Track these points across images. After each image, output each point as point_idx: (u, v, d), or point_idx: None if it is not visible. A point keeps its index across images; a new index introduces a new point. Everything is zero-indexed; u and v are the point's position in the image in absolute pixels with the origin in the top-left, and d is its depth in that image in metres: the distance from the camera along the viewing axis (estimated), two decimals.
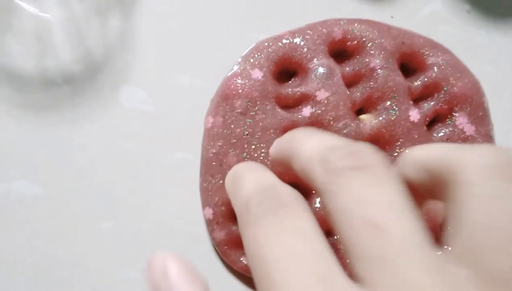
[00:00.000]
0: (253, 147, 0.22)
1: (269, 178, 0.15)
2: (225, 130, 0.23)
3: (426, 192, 0.13)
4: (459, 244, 0.11)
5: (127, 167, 0.23)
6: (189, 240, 0.23)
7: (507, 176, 0.11)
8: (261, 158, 0.22)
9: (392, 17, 0.26)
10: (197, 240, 0.23)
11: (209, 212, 0.22)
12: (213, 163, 0.22)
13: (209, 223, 0.22)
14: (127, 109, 0.23)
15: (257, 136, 0.22)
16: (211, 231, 0.22)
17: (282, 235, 0.12)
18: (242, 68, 0.23)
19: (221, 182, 0.22)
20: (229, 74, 0.23)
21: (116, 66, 0.23)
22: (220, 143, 0.22)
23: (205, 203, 0.22)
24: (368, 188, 0.12)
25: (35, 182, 0.22)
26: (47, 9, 0.24)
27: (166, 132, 0.23)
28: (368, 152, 0.13)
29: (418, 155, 0.14)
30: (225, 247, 0.22)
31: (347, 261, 0.12)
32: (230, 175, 0.16)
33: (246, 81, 0.23)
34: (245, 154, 0.22)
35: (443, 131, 0.23)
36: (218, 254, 0.23)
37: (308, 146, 0.14)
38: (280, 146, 0.16)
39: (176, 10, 0.24)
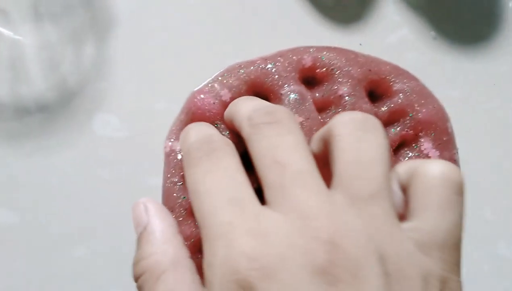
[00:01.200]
0: None
1: (208, 130, 0.19)
2: None
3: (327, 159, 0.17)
4: (336, 177, 0.15)
5: (102, 194, 0.23)
6: None
7: (363, 127, 0.16)
8: None
9: (360, 44, 0.27)
10: None
11: None
12: (174, 195, 0.23)
13: None
14: (101, 136, 0.23)
15: None
16: None
17: (212, 172, 0.16)
18: (210, 85, 0.23)
19: (182, 217, 0.22)
20: (194, 90, 0.23)
21: (90, 93, 0.24)
22: (182, 173, 0.23)
23: None
24: (277, 137, 0.16)
25: (9, 210, 0.22)
26: (22, 33, 0.24)
27: (140, 159, 0.23)
28: (281, 111, 0.17)
29: (318, 132, 0.18)
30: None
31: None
32: (183, 131, 0.20)
33: (215, 100, 0.23)
34: None
35: (409, 155, 0.24)
36: None
37: (242, 108, 0.19)
38: (228, 109, 0.21)
39: (149, 37, 0.25)
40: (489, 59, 0.28)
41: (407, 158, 0.24)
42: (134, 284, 0.23)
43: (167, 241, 0.17)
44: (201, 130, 0.19)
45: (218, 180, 0.16)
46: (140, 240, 0.17)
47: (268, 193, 0.15)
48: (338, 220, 0.14)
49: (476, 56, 0.28)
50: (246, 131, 0.17)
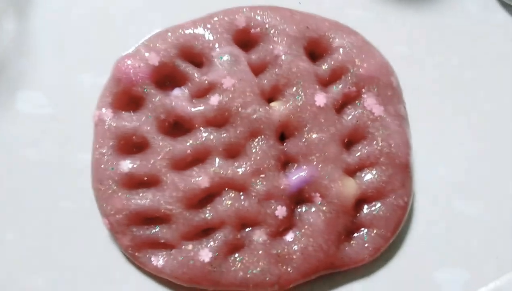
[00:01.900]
0: (154, 146, 0.22)
1: None
2: (116, 125, 0.22)
3: None
4: None
5: (29, 174, 0.22)
6: (99, 244, 0.22)
7: None
8: (165, 159, 0.22)
9: (300, 3, 0.25)
10: (108, 244, 0.22)
11: (106, 222, 0.22)
12: (102, 166, 0.22)
13: (110, 232, 0.22)
14: (25, 114, 0.22)
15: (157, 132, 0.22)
16: (115, 239, 0.22)
17: None
18: (135, 50, 0.22)
19: (111, 189, 0.21)
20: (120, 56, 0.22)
21: (11, 71, 0.22)
22: (111, 143, 0.22)
23: (101, 212, 0.22)
24: None
25: None
26: None
27: (69, 135, 0.22)
28: None
29: None
30: (132, 251, 0.21)
31: None
32: None
33: (140, 63, 0.22)
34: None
35: (353, 113, 0.23)
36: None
37: None
38: None
39: (71, 8, 0.23)
40: (435, 12, 0.27)
41: (350, 116, 0.23)
42: (66, 264, 0.21)
43: None
44: None
45: None
46: None
47: None
48: None
49: (422, 9, 0.27)
50: None
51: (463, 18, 0.27)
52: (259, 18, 0.23)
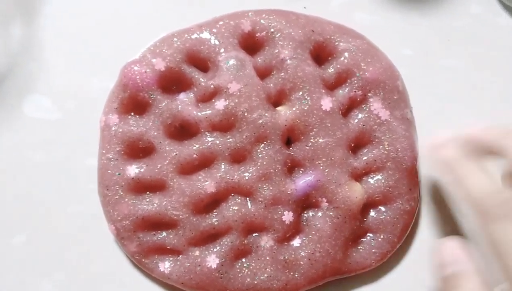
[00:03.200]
0: (160, 151, 0.22)
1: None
2: (122, 131, 0.22)
3: None
4: None
5: (37, 178, 0.22)
6: (107, 249, 0.22)
7: None
8: (172, 163, 0.22)
9: (305, 7, 0.25)
10: (114, 248, 0.22)
11: (112, 228, 0.22)
12: (109, 171, 0.22)
13: (116, 238, 0.22)
14: (33, 118, 0.22)
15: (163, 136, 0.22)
16: (121, 245, 0.22)
17: None
18: (142, 55, 0.22)
19: (118, 195, 0.21)
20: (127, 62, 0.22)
21: (20, 75, 0.22)
22: (118, 148, 0.22)
23: (107, 218, 0.22)
24: None
25: None
26: None
27: (76, 139, 0.22)
28: None
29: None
30: (139, 257, 0.21)
31: None
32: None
33: (147, 69, 0.22)
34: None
35: (359, 117, 0.23)
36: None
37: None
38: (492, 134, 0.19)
39: (79, 14, 0.23)
40: (441, 15, 0.27)
41: (356, 120, 0.23)
42: (73, 269, 0.21)
43: None
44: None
45: None
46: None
47: None
48: None
49: (427, 12, 0.27)
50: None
51: (467, 21, 0.26)
52: (264, 22, 0.23)
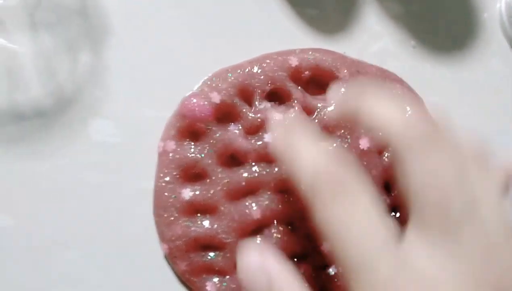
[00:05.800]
0: (213, 177, 0.24)
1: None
2: (179, 157, 0.24)
3: None
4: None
5: (95, 198, 0.24)
6: (157, 267, 0.24)
7: None
8: (223, 190, 0.23)
9: (344, 52, 0.28)
10: (162, 267, 0.24)
11: (165, 247, 0.23)
12: (165, 194, 0.23)
13: (168, 257, 0.23)
14: (96, 141, 0.24)
15: (216, 164, 0.24)
16: (172, 264, 0.23)
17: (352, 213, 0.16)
18: (200, 89, 0.24)
19: (173, 216, 0.23)
20: (186, 94, 0.24)
21: (85, 100, 0.24)
22: (174, 173, 0.23)
23: (160, 237, 0.23)
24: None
25: (4, 213, 0.23)
26: (17, 42, 0.25)
27: (133, 164, 0.24)
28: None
29: None
30: (188, 276, 0.23)
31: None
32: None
33: (205, 102, 0.24)
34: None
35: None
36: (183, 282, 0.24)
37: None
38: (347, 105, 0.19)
39: (141, 46, 0.26)
40: (464, 67, 0.29)
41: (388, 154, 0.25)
42: (123, 286, 0.23)
43: None
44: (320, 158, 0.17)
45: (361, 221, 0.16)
46: None
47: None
48: None
49: (453, 64, 0.29)
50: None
51: (489, 75, 0.29)
52: (311, 58, 0.25)
